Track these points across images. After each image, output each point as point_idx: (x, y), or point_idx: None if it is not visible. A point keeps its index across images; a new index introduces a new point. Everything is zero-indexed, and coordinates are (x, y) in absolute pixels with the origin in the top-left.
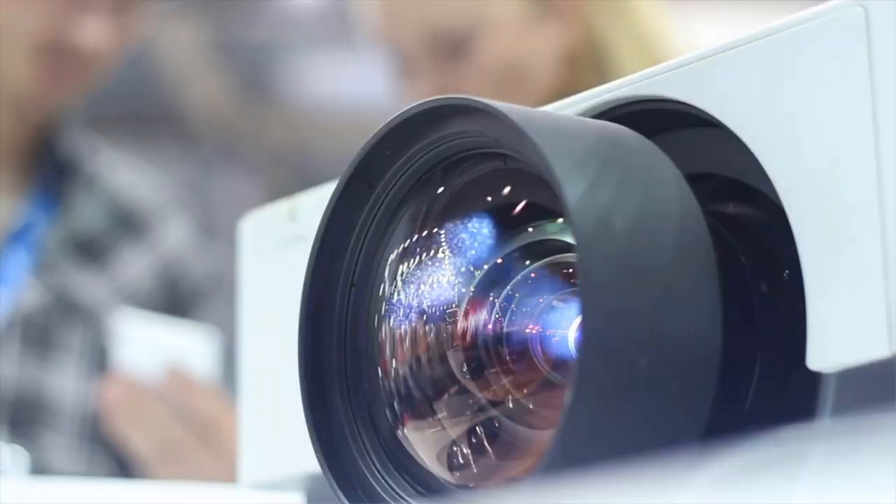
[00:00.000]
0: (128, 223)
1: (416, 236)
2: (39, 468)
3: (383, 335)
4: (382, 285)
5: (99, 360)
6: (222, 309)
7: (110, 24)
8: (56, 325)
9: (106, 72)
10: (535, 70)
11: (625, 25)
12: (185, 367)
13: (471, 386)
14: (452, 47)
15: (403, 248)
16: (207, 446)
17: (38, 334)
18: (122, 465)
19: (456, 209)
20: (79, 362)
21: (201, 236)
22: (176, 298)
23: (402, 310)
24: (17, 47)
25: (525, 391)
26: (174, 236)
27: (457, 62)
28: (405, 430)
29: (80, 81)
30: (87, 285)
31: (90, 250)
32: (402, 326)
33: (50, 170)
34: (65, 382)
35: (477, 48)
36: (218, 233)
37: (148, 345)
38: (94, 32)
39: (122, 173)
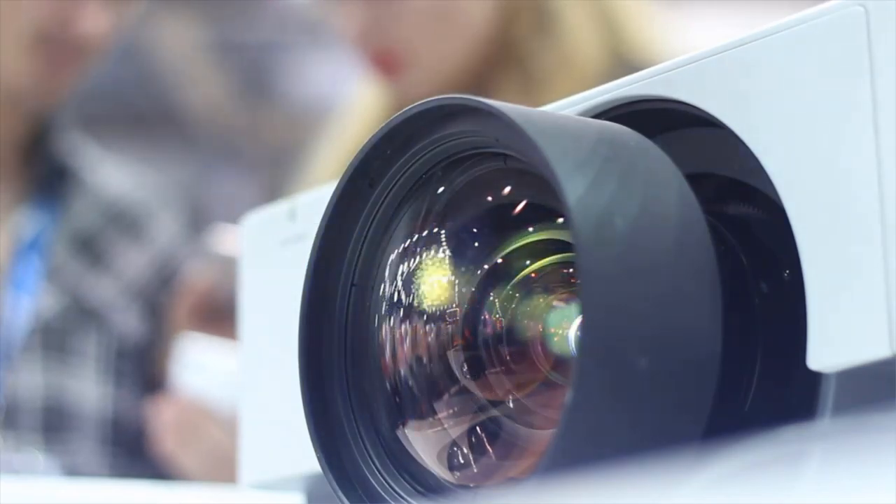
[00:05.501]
0: (122, 222)
1: (416, 236)
2: (70, 473)
3: (383, 335)
4: (382, 285)
5: (114, 364)
6: None
7: (106, 9)
8: (73, 329)
9: (99, 59)
10: (469, 14)
11: None
12: None
13: (471, 386)
14: None
15: (404, 248)
16: None
17: (57, 340)
18: (147, 468)
19: (456, 209)
20: (96, 366)
21: (192, 230)
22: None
23: (402, 310)
24: (16, 39)
25: (525, 391)
26: (167, 232)
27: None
28: (405, 430)
29: (76, 71)
30: (96, 286)
31: (92, 250)
32: (403, 326)
33: (46, 171)
34: (86, 386)
35: None
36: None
37: (211, 370)
38: (92, 20)
39: (109, 173)
